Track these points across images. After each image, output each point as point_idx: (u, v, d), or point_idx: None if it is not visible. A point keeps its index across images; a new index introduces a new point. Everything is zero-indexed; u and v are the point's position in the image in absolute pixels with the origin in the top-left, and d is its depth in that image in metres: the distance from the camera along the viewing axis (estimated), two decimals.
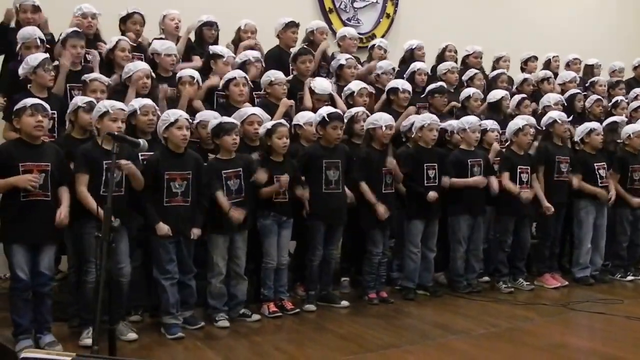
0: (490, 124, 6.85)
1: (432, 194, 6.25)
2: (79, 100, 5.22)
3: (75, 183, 4.85)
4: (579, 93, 8.21)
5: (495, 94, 7.53)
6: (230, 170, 5.47)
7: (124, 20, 6.65)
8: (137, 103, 5.38)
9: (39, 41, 5.74)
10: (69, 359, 2.35)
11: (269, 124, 5.75)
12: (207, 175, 5.38)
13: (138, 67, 5.84)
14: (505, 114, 7.46)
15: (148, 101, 5.42)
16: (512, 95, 7.84)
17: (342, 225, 6.08)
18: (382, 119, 6.14)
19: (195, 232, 5.26)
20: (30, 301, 4.69)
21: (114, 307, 4.15)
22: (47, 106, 4.81)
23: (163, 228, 5.09)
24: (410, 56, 8.09)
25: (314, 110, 6.28)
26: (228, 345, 5.05)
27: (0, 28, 6.22)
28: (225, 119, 5.58)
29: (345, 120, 6.23)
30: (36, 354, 2.42)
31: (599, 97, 8.29)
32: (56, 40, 6.13)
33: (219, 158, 5.50)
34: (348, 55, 7.29)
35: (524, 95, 7.81)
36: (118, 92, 5.75)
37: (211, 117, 5.68)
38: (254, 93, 6.54)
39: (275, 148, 5.70)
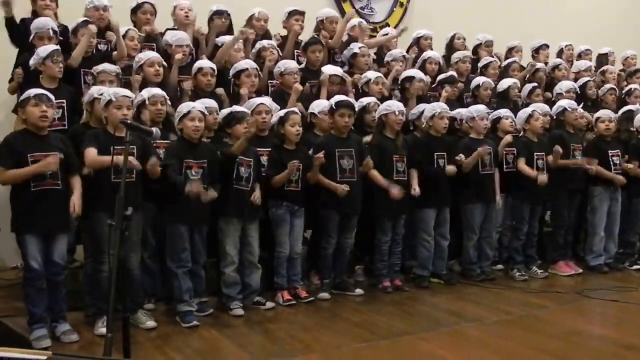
0: (505, 112, 6.82)
1: (451, 168, 6.26)
2: (95, 91, 5.21)
3: (85, 157, 4.81)
4: (589, 81, 8.17)
5: (503, 83, 7.52)
6: (242, 159, 5.44)
7: (134, 10, 6.66)
8: (146, 92, 5.40)
9: (51, 32, 5.76)
10: (45, 358, 2.31)
11: (281, 112, 5.75)
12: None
13: (148, 56, 5.87)
14: (513, 102, 7.43)
15: (158, 91, 5.44)
16: (524, 84, 7.83)
17: (356, 214, 6.05)
18: (394, 105, 6.16)
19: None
20: (44, 290, 4.70)
21: (128, 295, 4.16)
22: (52, 96, 4.81)
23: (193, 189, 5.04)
24: (416, 45, 8.06)
25: None
26: (242, 333, 5.07)
27: (9, 22, 6.13)
28: (237, 108, 5.59)
29: (357, 110, 6.21)
30: (10, 353, 2.39)
31: (613, 86, 8.26)
32: (70, 31, 6.11)
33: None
34: (362, 44, 7.25)
35: (535, 84, 7.79)
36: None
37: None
38: (268, 82, 6.59)
39: (288, 136, 5.71)
